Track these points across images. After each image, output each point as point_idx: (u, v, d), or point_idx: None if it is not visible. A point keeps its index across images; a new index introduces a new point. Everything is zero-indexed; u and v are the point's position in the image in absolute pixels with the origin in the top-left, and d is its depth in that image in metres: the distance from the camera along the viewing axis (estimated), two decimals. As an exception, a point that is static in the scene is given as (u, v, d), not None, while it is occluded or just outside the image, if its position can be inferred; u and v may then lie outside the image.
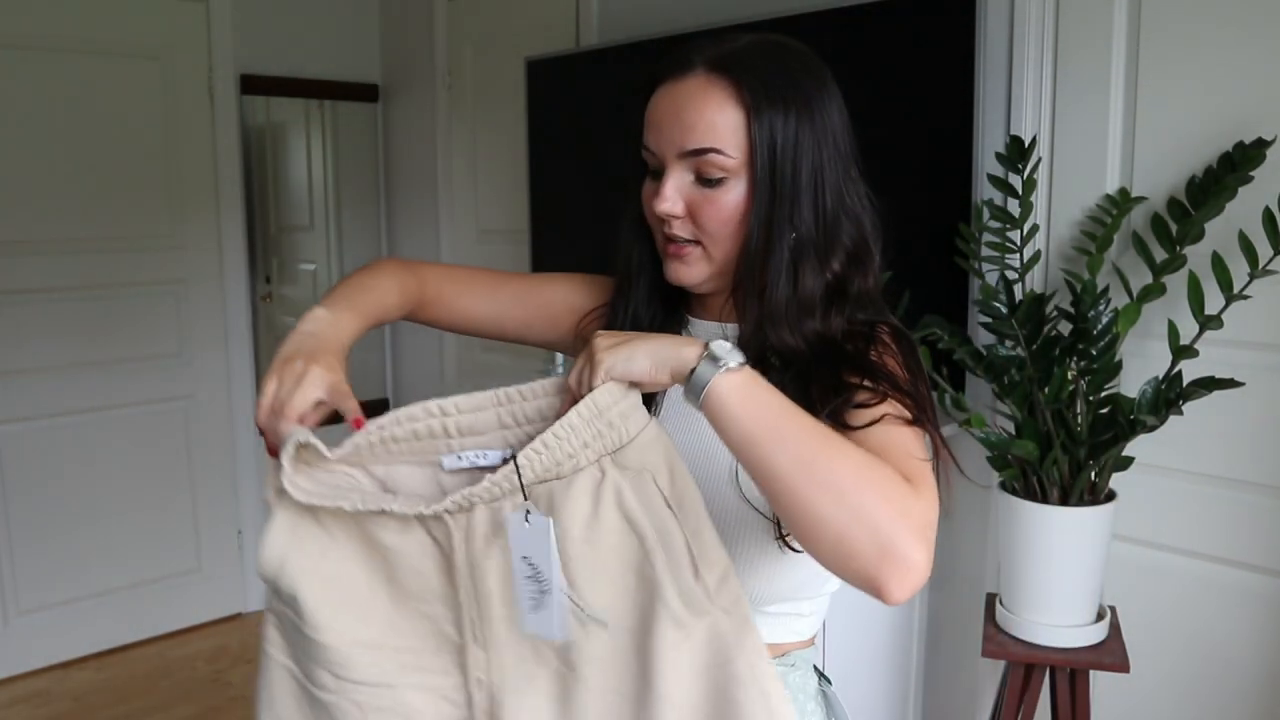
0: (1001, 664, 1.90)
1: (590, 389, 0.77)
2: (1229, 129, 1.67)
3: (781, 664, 0.98)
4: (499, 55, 3.13)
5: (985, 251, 1.81)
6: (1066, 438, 1.62)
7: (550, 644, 0.81)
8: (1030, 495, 1.67)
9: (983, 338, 1.82)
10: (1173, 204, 1.67)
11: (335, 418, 0.84)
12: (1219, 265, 1.57)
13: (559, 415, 0.78)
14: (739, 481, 0.89)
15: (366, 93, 3.62)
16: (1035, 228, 1.81)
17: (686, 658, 0.78)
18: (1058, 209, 1.91)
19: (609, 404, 0.77)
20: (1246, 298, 1.56)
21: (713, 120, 0.87)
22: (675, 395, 0.89)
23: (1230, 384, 1.50)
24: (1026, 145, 1.77)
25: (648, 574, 0.78)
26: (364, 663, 0.82)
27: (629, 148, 0.97)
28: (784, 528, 0.88)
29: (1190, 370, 1.59)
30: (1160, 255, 1.67)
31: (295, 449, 0.78)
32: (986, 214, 1.81)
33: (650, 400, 0.88)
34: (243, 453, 3.44)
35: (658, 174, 0.92)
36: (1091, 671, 1.74)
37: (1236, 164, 1.59)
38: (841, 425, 0.83)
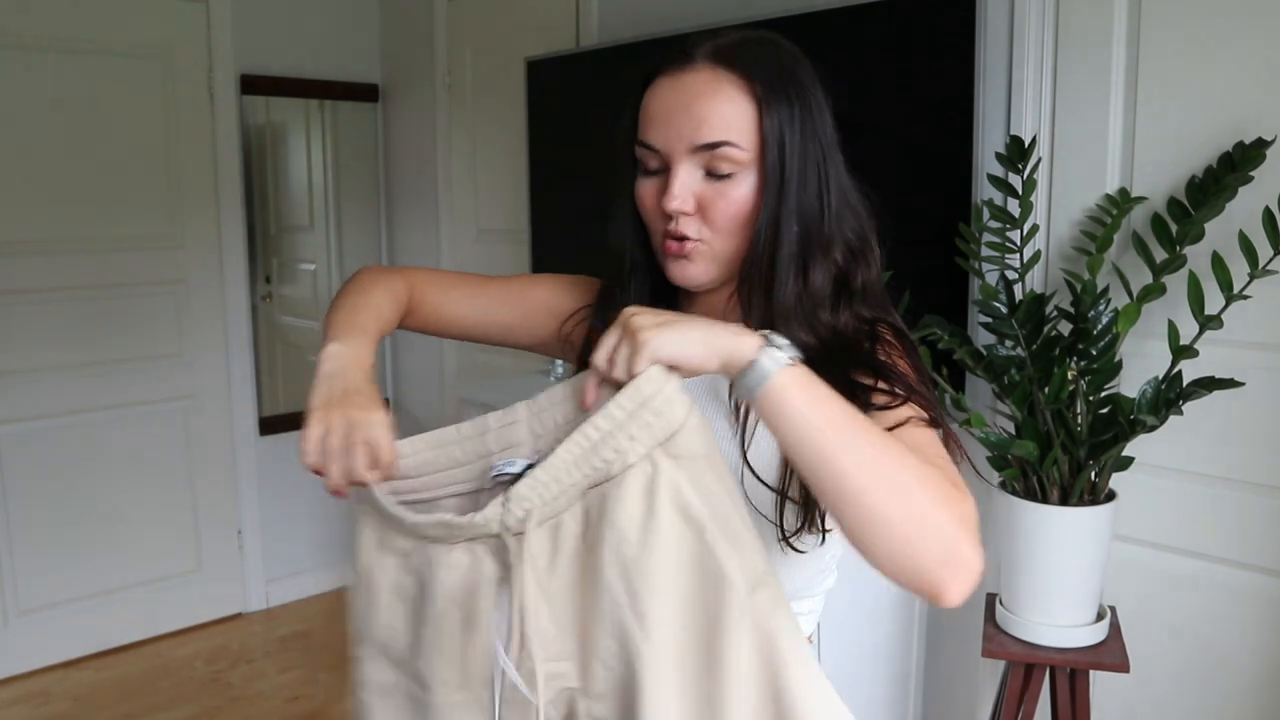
0: (1001, 664, 1.90)
1: (629, 372, 0.73)
2: (1229, 129, 1.67)
3: None
4: (499, 55, 3.13)
5: (985, 251, 1.81)
6: (1066, 438, 1.62)
7: (612, 652, 0.75)
8: (1030, 495, 1.67)
9: (983, 338, 1.82)
10: (1173, 204, 1.67)
11: None
12: (1219, 265, 1.57)
13: (584, 406, 0.76)
14: (743, 482, 0.89)
15: (366, 93, 3.62)
16: (1035, 228, 1.81)
17: (749, 635, 0.75)
18: (1058, 209, 1.91)
19: (654, 391, 0.73)
20: (1246, 298, 1.56)
21: (725, 113, 0.86)
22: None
23: (1230, 384, 1.50)
24: (1026, 145, 1.77)
25: (710, 567, 0.73)
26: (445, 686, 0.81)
27: (619, 145, 0.94)
28: (787, 530, 0.88)
29: (1190, 370, 1.59)
30: (1160, 255, 1.67)
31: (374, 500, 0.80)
32: (986, 214, 1.81)
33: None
34: (243, 453, 3.44)
35: (657, 171, 0.90)
36: (1091, 671, 1.74)
37: (1236, 164, 1.59)
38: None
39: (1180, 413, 1.56)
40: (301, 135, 3.57)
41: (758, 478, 0.87)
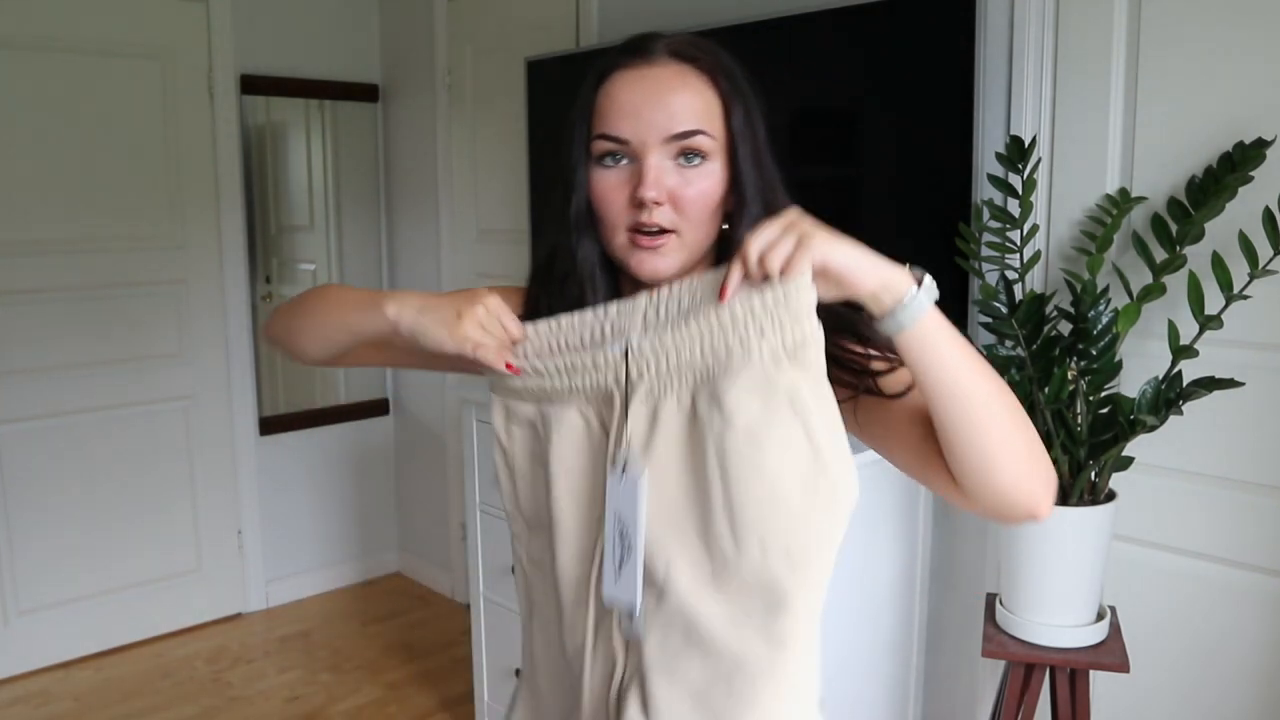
0: (1001, 664, 1.90)
1: (783, 267, 0.73)
2: (1229, 129, 1.67)
3: None
4: (499, 55, 3.13)
5: (985, 251, 1.81)
6: (1066, 438, 1.62)
7: (693, 543, 0.79)
8: (1030, 495, 1.67)
9: (983, 338, 1.82)
10: (1173, 204, 1.67)
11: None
12: (1219, 265, 1.57)
13: (721, 298, 0.76)
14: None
15: (366, 93, 3.62)
16: (1035, 228, 1.81)
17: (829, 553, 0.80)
18: (1058, 209, 1.91)
19: (798, 293, 0.73)
20: (1246, 298, 1.56)
21: (695, 104, 0.88)
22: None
23: (1230, 384, 1.50)
24: (1026, 145, 1.77)
25: (823, 478, 0.76)
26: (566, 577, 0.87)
27: (565, 146, 0.95)
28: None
29: (1190, 370, 1.59)
30: (1160, 255, 1.67)
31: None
32: (986, 214, 1.81)
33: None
34: (243, 453, 3.44)
35: (618, 165, 0.89)
36: (1091, 671, 1.74)
37: (1236, 164, 1.59)
38: (876, 393, 0.86)
39: (1180, 413, 1.56)
40: (301, 135, 3.57)
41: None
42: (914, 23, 1.97)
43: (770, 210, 0.87)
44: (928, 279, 0.76)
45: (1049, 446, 1.62)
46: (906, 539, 2.04)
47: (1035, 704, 1.73)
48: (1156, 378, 1.58)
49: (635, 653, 0.84)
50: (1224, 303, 1.56)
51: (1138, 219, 1.77)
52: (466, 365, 0.96)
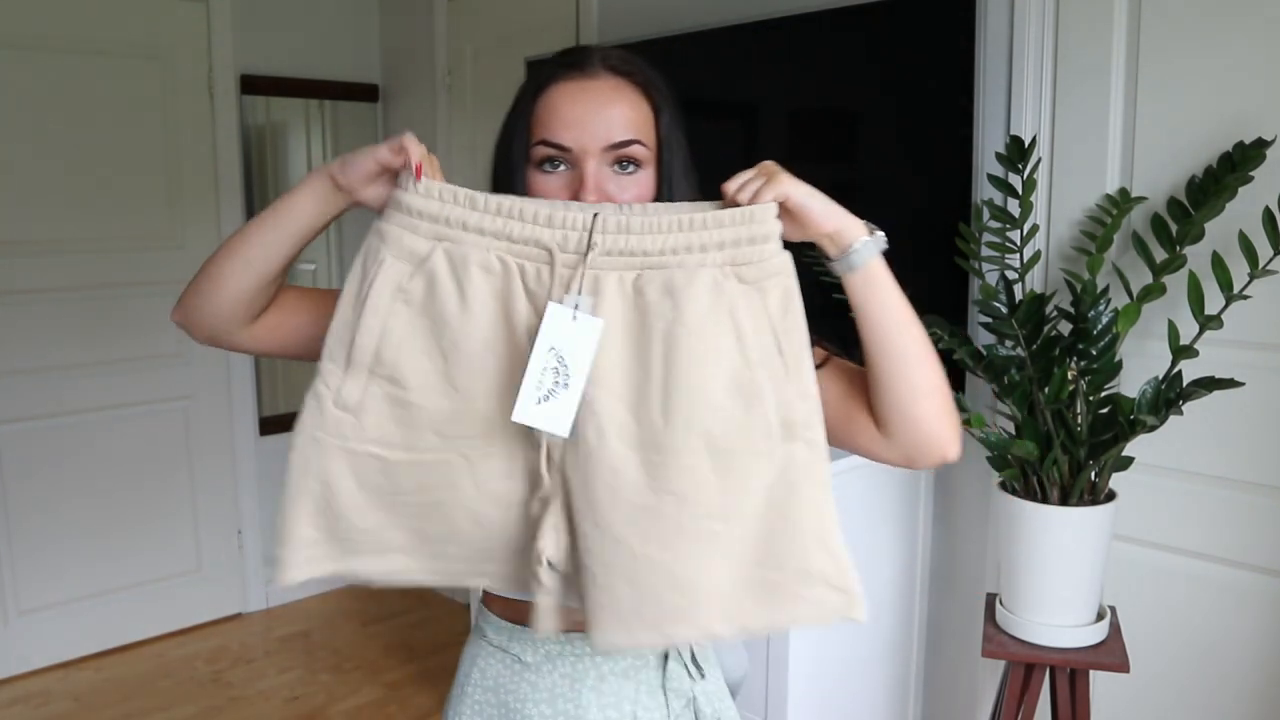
0: (1001, 664, 1.90)
1: (752, 200, 0.84)
2: (1229, 129, 1.67)
3: None
4: (499, 55, 3.13)
5: (985, 251, 1.81)
6: (1066, 438, 1.62)
7: (641, 440, 0.83)
8: (1030, 495, 1.67)
9: (983, 338, 1.82)
10: (1173, 204, 1.67)
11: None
12: (1219, 265, 1.57)
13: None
14: None
15: (366, 93, 3.62)
16: (1035, 228, 1.81)
17: (760, 478, 0.85)
18: (1058, 209, 1.91)
19: (761, 220, 0.84)
20: (1246, 298, 1.56)
21: (632, 115, 0.95)
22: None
23: (1230, 384, 1.50)
24: (1026, 145, 1.77)
25: (745, 382, 0.83)
26: (474, 417, 0.86)
27: (502, 151, 1.00)
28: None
29: (1190, 370, 1.59)
30: (1160, 255, 1.67)
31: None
32: (986, 214, 1.81)
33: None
34: (242, 453, 3.44)
35: (555, 168, 0.94)
36: (1091, 671, 1.74)
37: (1236, 164, 1.59)
38: None
39: (1180, 413, 1.56)
40: (301, 135, 3.57)
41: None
42: (914, 23, 1.97)
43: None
44: (879, 232, 0.88)
45: (1049, 447, 1.62)
46: (906, 539, 2.04)
47: (1035, 704, 1.73)
48: (1156, 378, 1.58)
49: (557, 487, 0.86)
50: (1224, 303, 1.56)
51: (1138, 219, 1.77)
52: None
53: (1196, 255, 1.64)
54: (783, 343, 0.84)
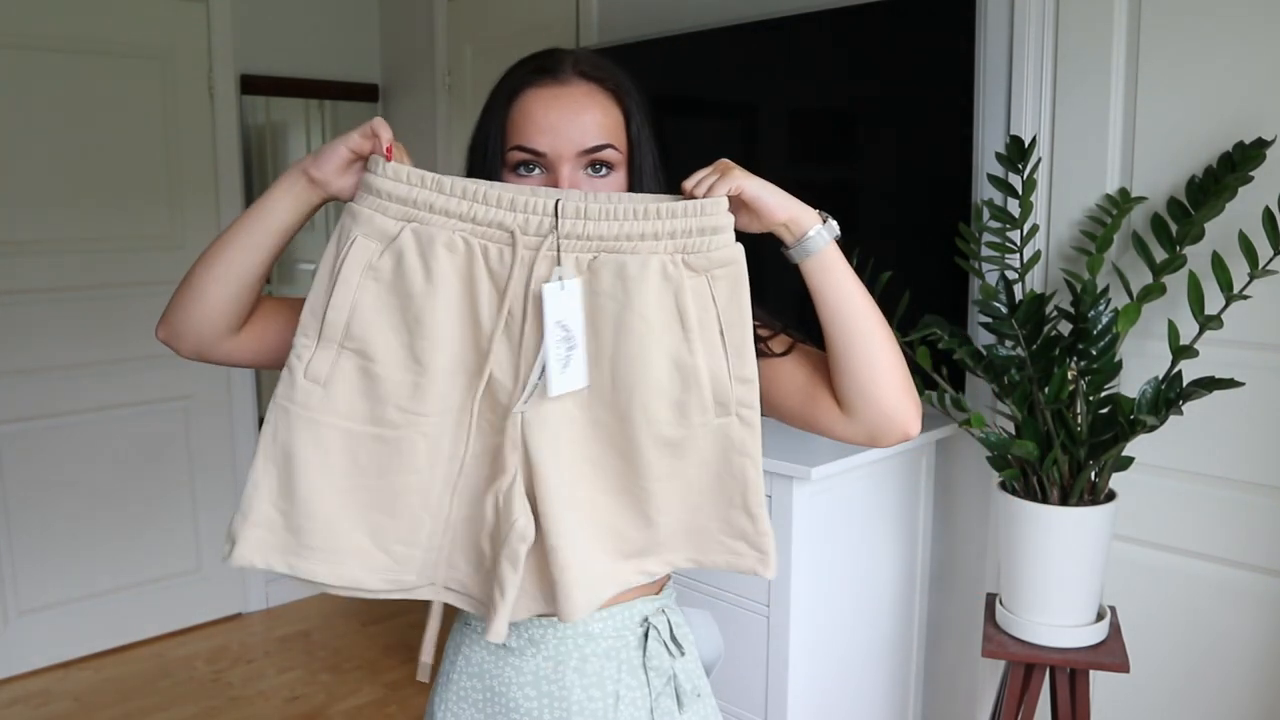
0: (1001, 664, 1.90)
1: (707, 194, 0.88)
2: (1229, 129, 1.67)
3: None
4: (499, 55, 3.13)
5: (985, 251, 1.81)
6: (1066, 438, 1.62)
7: (591, 401, 0.91)
8: (1030, 495, 1.67)
9: (983, 338, 1.83)
10: (1173, 204, 1.67)
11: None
12: (1219, 265, 1.57)
13: None
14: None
15: (366, 93, 3.62)
16: (1035, 228, 1.81)
17: (695, 449, 0.91)
18: (1058, 209, 1.91)
19: (712, 212, 0.88)
20: (1246, 298, 1.56)
21: (604, 120, 0.98)
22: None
23: (1230, 384, 1.50)
24: (1026, 145, 1.77)
25: (685, 363, 0.89)
26: (434, 393, 0.90)
27: (478, 154, 1.02)
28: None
29: (1190, 370, 1.59)
30: (1160, 255, 1.67)
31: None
32: (986, 214, 1.81)
33: None
34: (243, 453, 3.44)
35: (530, 171, 0.97)
36: (1091, 671, 1.74)
37: (1236, 164, 1.59)
38: (768, 355, 0.99)
39: (1180, 413, 1.56)
40: (301, 135, 3.57)
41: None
42: (914, 23, 1.97)
43: None
44: (831, 220, 0.92)
45: (1049, 447, 1.62)
46: (906, 539, 2.04)
47: (1035, 704, 1.73)
48: (1156, 378, 1.58)
49: (517, 469, 0.91)
50: (1224, 303, 1.56)
51: (1138, 219, 1.77)
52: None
53: (1196, 255, 1.64)
54: (726, 328, 0.89)
